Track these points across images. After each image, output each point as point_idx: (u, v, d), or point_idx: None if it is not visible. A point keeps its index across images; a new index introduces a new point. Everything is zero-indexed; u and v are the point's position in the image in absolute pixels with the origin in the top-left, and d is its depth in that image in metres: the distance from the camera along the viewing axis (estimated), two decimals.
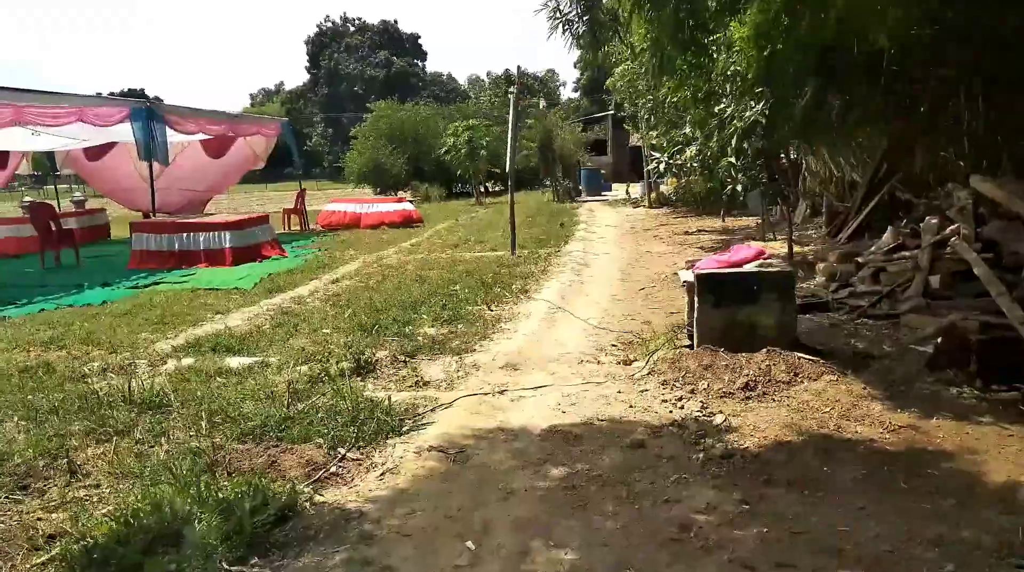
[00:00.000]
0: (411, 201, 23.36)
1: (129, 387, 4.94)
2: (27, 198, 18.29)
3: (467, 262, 11.71)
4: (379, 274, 10.88)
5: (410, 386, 5.35)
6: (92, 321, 8.11)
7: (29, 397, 4.99)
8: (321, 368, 5.62)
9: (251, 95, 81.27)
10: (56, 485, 3.76)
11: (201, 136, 17.53)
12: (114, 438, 4.35)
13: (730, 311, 5.40)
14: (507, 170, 12.52)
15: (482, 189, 30.01)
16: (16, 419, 4.62)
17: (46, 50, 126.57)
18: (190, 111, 15.65)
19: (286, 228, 19.95)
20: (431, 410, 4.75)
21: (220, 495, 3.32)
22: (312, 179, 50.49)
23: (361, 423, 4.38)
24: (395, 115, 34.56)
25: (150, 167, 14.87)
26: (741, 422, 4.34)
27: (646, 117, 18.20)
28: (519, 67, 39.27)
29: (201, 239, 12.99)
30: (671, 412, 4.59)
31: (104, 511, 3.35)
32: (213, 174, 20.63)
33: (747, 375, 4.92)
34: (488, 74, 71.61)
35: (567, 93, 69.18)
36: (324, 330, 7.15)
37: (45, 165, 23.95)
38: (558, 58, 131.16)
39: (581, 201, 26.43)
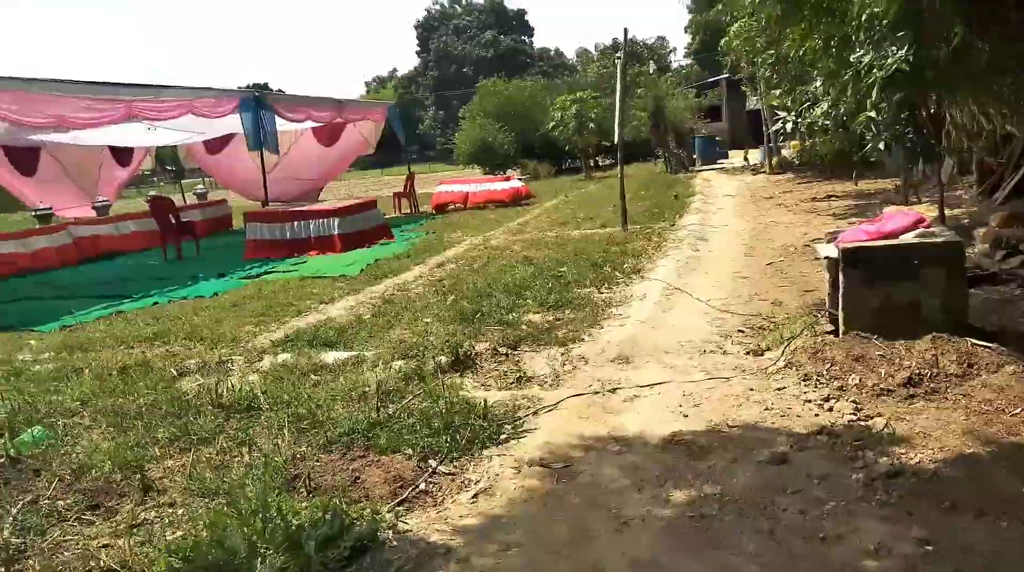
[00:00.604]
0: (521, 179, 22.93)
1: (217, 389, 4.67)
2: (152, 192, 19.02)
3: (575, 241, 11.11)
4: (484, 257, 10.45)
5: (511, 383, 4.85)
6: (200, 314, 8.06)
7: (120, 400, 4.81)
8: (417, 364, 5.20)
9: (366, 83, 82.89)
10: (129, 503, 3.48)
11: (311, 124, 17.68)
12: (197, 447, 4.07)
13: (884, 290, 4.56)
14: (616, 142, 11.78)
15: (591, 163, 29.19)
16: (104, 425, 4.43)
17: (174, 56, 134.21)
18: (297, 99, 15.75)
19: (397, 212, 19.95)
20: (533, 413, 4.22)
21: (292, 522, 2.91)
22: (425, 162, 50.91)
23: (455, 430, 3.91)
24: (501, 92, 34.14)
25: (261, 157, 15.07)
26: (908, 429, 3.57)
27: (767, 75, 16.87)
28: (626, 31, 37.84)
29: (311, 227, 12.97)
30: (817, 416, 3.86)
31: (169, 537, 3.02)
32: (326, 162, 20.89)
33: (909, 368, 4.11)
34: (596, 46, 70.01)
35: (678, 60, 66.78)
36: (424, 319, 6.76)
37: (177, 160, 24.96)
38: (667, 25, 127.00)
39: (695, 171, 25.19)
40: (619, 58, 12.08)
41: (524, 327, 6.15)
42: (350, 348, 5.94)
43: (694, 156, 27.61)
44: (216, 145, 19.70)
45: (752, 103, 33.25)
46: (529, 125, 31.88)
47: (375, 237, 13.64)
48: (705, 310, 6.44)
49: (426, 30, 78.92)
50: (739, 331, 5.68)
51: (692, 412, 4.07)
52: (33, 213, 15.79)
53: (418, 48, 79.98)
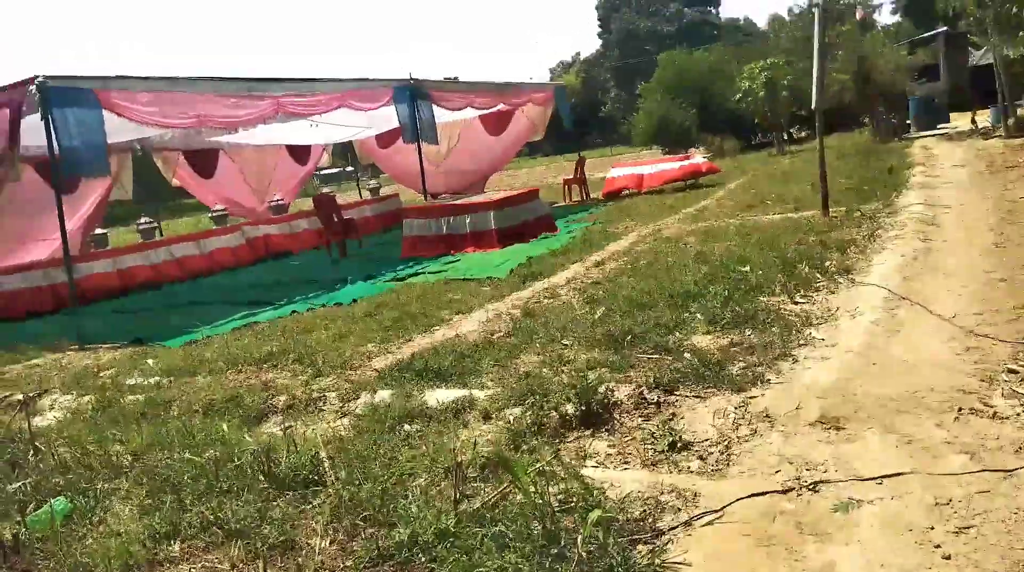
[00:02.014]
0: (707, 157, 20.88)
1: (271, 456, 3.60)
2: (324, 189, 19.13)
3: (763, 229, 9.28)
4: (652, 252, 8.92)
5: (658, 455, 3.41)
6: (329, 328, 7.25)
7: (173, 459, 3.90)
8: (536, 413, 3.89)
9: (550, 70, 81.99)
10: None
11: (472, 112, 16.83)
12: (221, 545, 3.02)
13: None
14: (814, 107, 9.75)
15: (784, 136, 26.30)
16: (139, 498, 3.52)
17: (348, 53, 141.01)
18: (455, 86, 14.90)
19: (566, 200, 18.75)
20: (684, 524, 2.76)
21: None
22: (608, 146, 48.86)
23: (558, 555, 2.55)
24: (682, 64, 31.85)
25: (419, 149, 14.39)
26: None
27: (1010, 15, 13.79)
28: None
29: (467, 221, 12.02)
30: None
31: None
32: (494, 151, 20.08)
33: None
34: (789, 11, 64.55)
35: (884, 18, 60.08)
36: (563, 341, 5.43)
37: (353, 156, 25.24)
38: None
39: (911, 138, 21.78)
40: (817, 3, 9.99)
41: (687, 357, 4.65)
42: (464, 383, 4.74)
43: (908, 122, 24.00)
44: (386, 139, 19.41)
45: (977, 58, 28.65)
46: (713, 98, 29.40)
47: (536, 230, 12.47)
48: (950, 333, 4.59)
49: (607, 9, 76.69)
50: (1010, 371, 3.84)
51: (955, 545, 2.43)
52: (210, 215, 16.19)
53: (599, 29, 77.96)
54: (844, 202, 10.33)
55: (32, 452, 4.13)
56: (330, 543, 2.93)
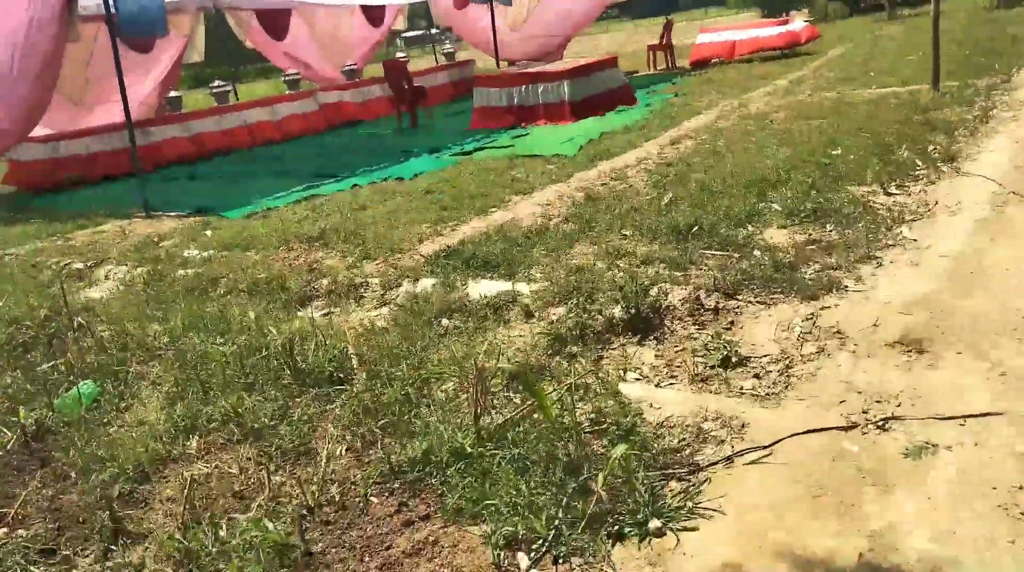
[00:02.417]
0: (809, 21, 19.08)
1: (292, 353, 3.42)
2: (400, 54, 18.46)
3: (862, 106, 8.39)
4: (733, 130, 8.22)
5: (709, 369, 3.07)
6: (386, 203, 7.03)
7: (208, 343, 3.80)
8: (579, 315, 3.58)
9: None
10: (92, 552, 2.40)
11: None
12: (240, 443, 2.91)
13: None
14: None
15: None
16: (168, 384, 3.43)
17: None
18: None
19: (651, 68, 17.65)
20: (726, 460, 2.45)
21: None
22: (701, 8, 45.31)
23: (579, 488, 2.30)
24: None
25: (491, 10, 13.56)
26: None
27: None
28: None
29: (539, 92, 11.36)
30: None
31: None
32: (575, 14, 18.83)
33: None
34: None
35: None
36: (623, 231, 5.03)
37: (429, 18, 24.23)
38: None
39: None
40: None
41: (756, 255, 4.20)
42: (511, 274, 4.44)
43: None
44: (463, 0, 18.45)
45: None
46: None
47: (613, 102, 11.73)
48: None
49: None
50: None
51: None
52: (283, 79, 15.90)
53: None
54: (959, 75, 9.24)
55: (72, 329, 4.10)
56: (345, 450, 2.77)
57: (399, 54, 18.89)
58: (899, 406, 2.59)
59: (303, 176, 9.26)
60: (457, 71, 18.62)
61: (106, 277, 5.64)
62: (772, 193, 5.37)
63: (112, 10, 7.63)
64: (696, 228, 4.76)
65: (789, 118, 8.41)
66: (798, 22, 16.58)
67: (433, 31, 28.36)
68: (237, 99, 15.88)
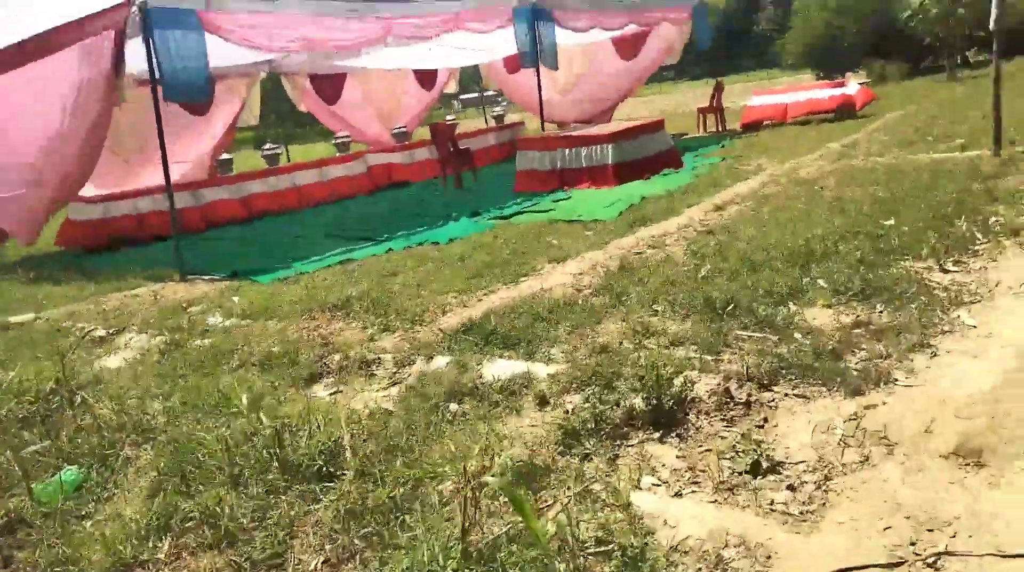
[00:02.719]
0: (865, 83, 18.69)
1: (279, 443, 3.19)
2: (449, 116, 18.66)
3: (918, 172, 7.98)
4: (781, 196, 7.89)
5: (736, 476, 2.72)
6: (417, 270, 6.87)
7: (204, 426, 3.60)
8: (596, 406, 3.27)
9: None
10: None
11: (600, 34, 15.71)
12: (212, 550, 2.66)
13: None
14: (993, 26, 8.18)
15: (957, 60, 23.29)
16: (153, 472, 3.23)
17: None
18: (582, 4, 13.79)
19: (700, 130, 17.47)
20: None
21: None
22: (761, 69, 44.93)
23: None
24: None
25: (538, 75, 13.58)
26: None
27: None
28: None
29: (583, 155, 11.23)
30: None
31: None
32: (626, 77, 18.85)
33: None
34: None
35: None
36: (655, 305, 4.73)
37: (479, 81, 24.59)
38: None
39: None
40: None
41: (796, 338, 3.86)
42: (531, 353, 4.17)
43: None
44: (514, 63, 18.62)
45: None
46: (879, 16, 26.42)
47: (658, 165, 11.53)
48: None
49: None
50: None
51: None
52: (333, 141, 16.16)
53: None
54: (1021, 140, 8.76)
55: (71, 406, 3.96)
56: (322, 562, 2.50)
57: (448, 116, 19.08)
58: (954, 536, 2.21)
59: (343, 239, 9.23)
60: (507, 133, 18.73)
61: (126, 345, 5.55)
62: (817, 267, 5.01)
63: (157, 75, 7.78)
64: (732, 305, 4.43)
65: (840, 184, 8.05)
66: (853, 84, 16.25)
67: (487, 93, 28.68)
68: (289, 160, 16.21)
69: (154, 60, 7.72)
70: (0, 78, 8.89)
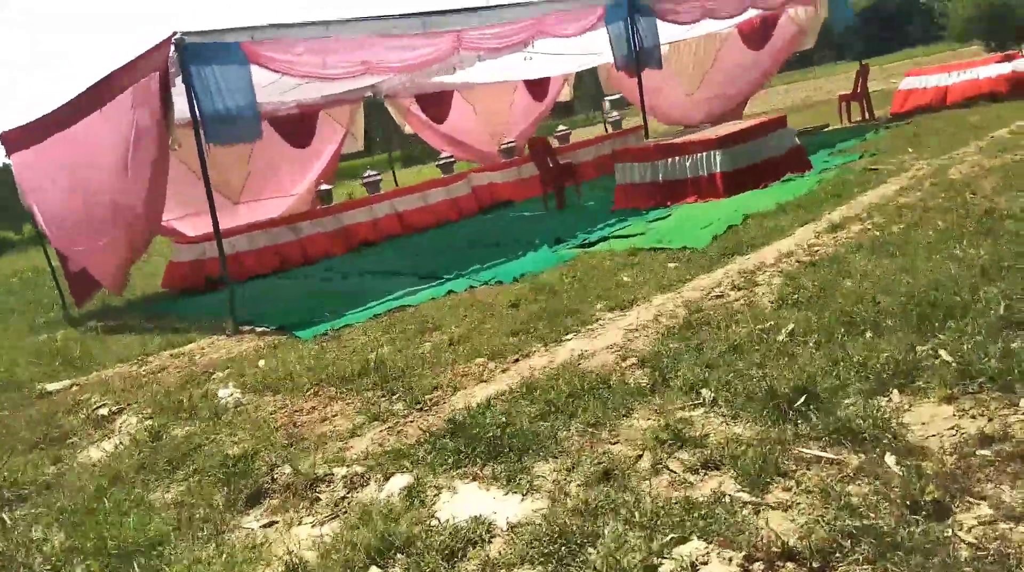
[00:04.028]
0: None
1: None
2: (561, 127, 17.61)
3: None
4: (919, 207, 6.30)
5: None
6: (459, 323, 5.95)
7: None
8: None
9: None
10: None
11: (714, 23, 14.11)
12: None
13: None
14: None
15: None
16: None
17: None
18: None
19: (844, 121, 15.45)
20: None
21: None
22: (924, 44, 40.15)
23: None
24: None
25: (638, 77, 12.29)
26: None
27: None
28: None
29: (687, 165, 9.89)
30: None
31: None
32: (755, 68, 17.08)
33: None
34: None
35: None
36: (704, 389, 3.52)
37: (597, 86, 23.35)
38: None
39: None
40: None
41: (887, 463, 2.56)
42: (513, 474, 3.10)
43: None
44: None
45: None
46: None
47: (779, 170, 9.96)
48: None
49: None
50: None
51: None
52: (436, 163, 15.60)
53: None
54: None
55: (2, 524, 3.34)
56: None
57: (560, 127, 18.03)
58: None
59: (416, 276, 8.45)
60: (621, 141, 17.45)
61: (120, 429, 5.00)
62: (946, 326, 3.59)
63: (199, 116, 7.33)
64: (805, 397, 3.15)
65: (998, 189, 6.33)
66: None
67: (612, 97, 27.53)
68: (396, 185, 15.78)
69: (194, 100, 7.27)
70: (76, 129, 8.89)
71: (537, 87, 17.70)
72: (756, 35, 16.51)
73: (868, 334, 3.76)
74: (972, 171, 7.40)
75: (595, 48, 13.05)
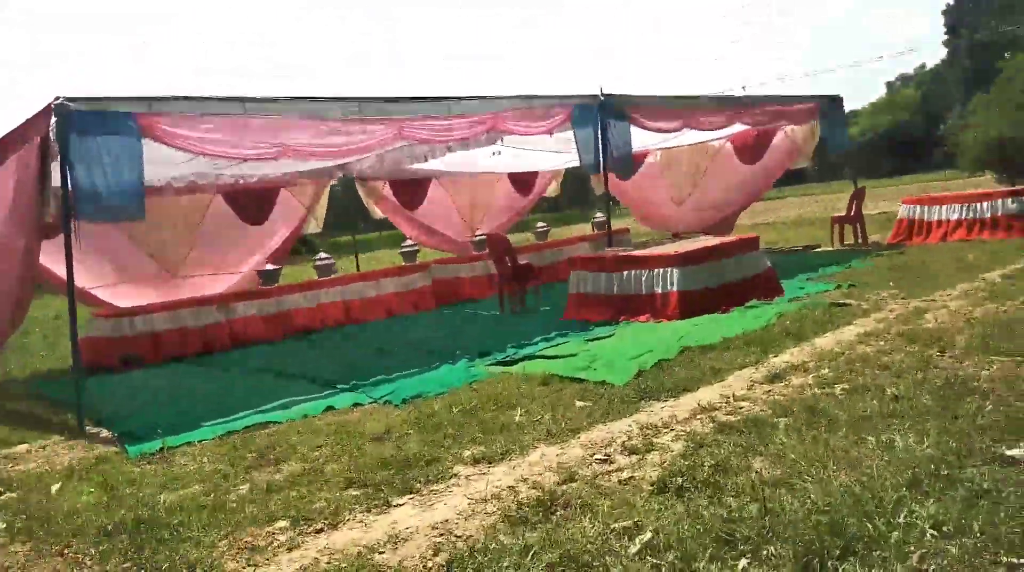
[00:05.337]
0: None
1: None
2: (541, 224, 16.86)
3: None
4: (874, 363, 5.24)
5: None
6: (305, 455, 4.91)
7: None
8: None
9: (887, 83, 70.46)
10: None
11: (694, 135, 13.43)
12: None
13: None
14: None
15: None
16: None
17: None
18: (665, 100, 11.61)
19: (836, 243, 14.59)
20: None
21: None
22: (940, 171, 39.23)
23: None
24: None
25: (605, 180, 11.46)
26: None
27: None
28: None
29: (643, 279, 8.93)
30: None
31: None
32: (750, 182, 16.39)
33: None
34: None
35: None
36: None
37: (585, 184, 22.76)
38: None
39: None
40: None
41: None
42: None
43: None
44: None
45: None
46: None
47: (744, 295, 8.95)
48: None
49: (955, 16, 64.71)
50: None
51: None
52: (400, 250, 14.75)
53: (945, 36, 65.97)
54: None
55: None
56: None
57: (539, 223, 17.30)
58: None
59: (309, 381, 7.41)
60: (604, 243, 16.60)
61: None
62: (859, 555, 2.49)
63: (70, 188, 6.47)
64: None
65: (973, 347, 5.28)
66: None
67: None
68: (358, 269, 14.89)
69: (67, 170, 6.41)
70: None
71: (522, 180, 17.08)
72: (750, 149, 15.91)
73: (742, 563, 2.66)
74: (949, 320, 6.37)
75: (573, 147, 12.35)
